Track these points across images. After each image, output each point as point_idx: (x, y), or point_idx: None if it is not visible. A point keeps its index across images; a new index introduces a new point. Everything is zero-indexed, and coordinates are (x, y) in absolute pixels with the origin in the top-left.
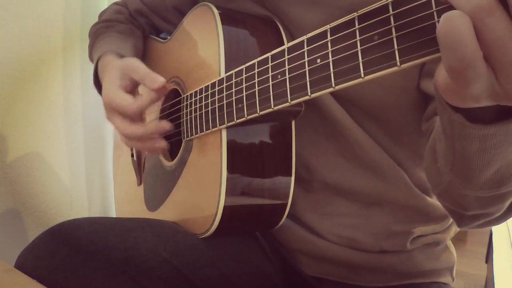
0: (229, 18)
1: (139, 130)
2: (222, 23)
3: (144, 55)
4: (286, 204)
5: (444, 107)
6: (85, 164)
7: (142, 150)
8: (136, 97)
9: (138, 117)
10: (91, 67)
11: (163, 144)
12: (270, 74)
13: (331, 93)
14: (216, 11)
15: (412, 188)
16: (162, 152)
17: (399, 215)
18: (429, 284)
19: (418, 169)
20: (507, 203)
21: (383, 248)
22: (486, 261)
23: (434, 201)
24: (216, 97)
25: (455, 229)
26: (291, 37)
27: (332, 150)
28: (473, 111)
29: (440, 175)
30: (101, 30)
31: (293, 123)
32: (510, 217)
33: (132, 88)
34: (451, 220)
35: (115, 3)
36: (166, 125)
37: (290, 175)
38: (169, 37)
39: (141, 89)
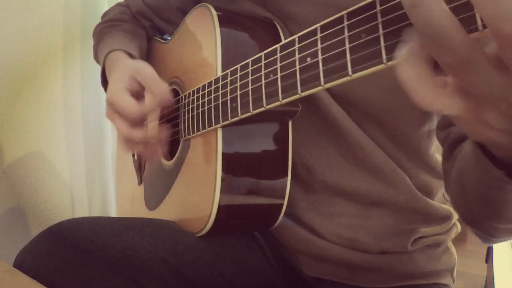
0: (227, 19)
1: (138, 135)
2: (220, 24)
3: (148, 56)
4: (283, 204)
5: (486, 163)
6: (85, 164)
7: (141, 154)
8: (139, 102)
9: (139, 122)
10: (91, 67)
11: (160, 151)
12: (263, 72)
13: (333, 95)
14: (214, 12)
15: (413, 190)
16: (158, 159)
17: (400, 216)
18: (430, 285)
19: (419, 171)
20: None
21: (384, 249)
22: (486, 261)
23: (435, 202)
24: (212, 96)
25: (456, 230)
26: None
27: (333, 152)
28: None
29: (469, 209)
30: (106, 30)
31: (290, 123)
32: None
33: (139, 92)
34: (453, 221)
35: (119, 4)
36: (164, 131)
37: (286, 175)
38: (169, 38)
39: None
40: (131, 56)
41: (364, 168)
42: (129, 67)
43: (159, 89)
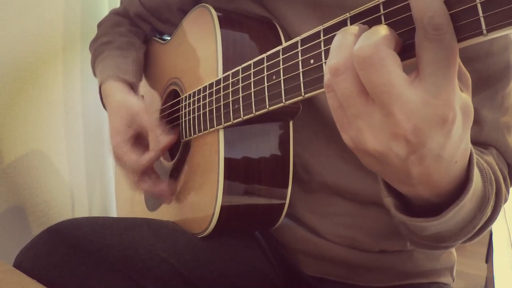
0: (227, 19)
1: (144, 183)
2: (220, 24)
3: (146, 57)
4: (284, 204)
5: (380, 186)
6: (85, 164)
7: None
8: (141, 154)
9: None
10: (90, 67)
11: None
12: (266, 74)
13: None
14: (214, 13)
15: None
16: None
17: None
18: (429, 284)
19: None
20: (459, 242)
21: (383, 248)
22: (486, 261)
23: None
24: (214, 97)
25: None
26: (289, 40)
27: (331, 152)
28: (405, 197)
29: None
30: (100, 49)
31: (291, 123)
32: (479, 236)
33: (139, 136)
34: None
35: (114, 13)
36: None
37: (288, 175)
38: (169, 38)
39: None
40: (124, 80)
41: (362, 168)
42: (124, 116)
43: (161, 140)
